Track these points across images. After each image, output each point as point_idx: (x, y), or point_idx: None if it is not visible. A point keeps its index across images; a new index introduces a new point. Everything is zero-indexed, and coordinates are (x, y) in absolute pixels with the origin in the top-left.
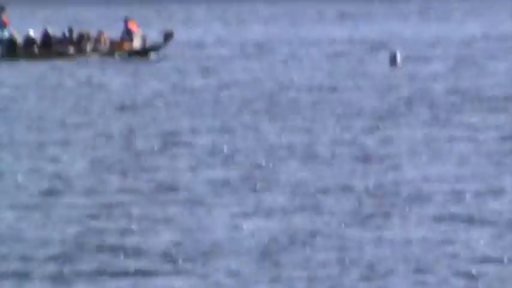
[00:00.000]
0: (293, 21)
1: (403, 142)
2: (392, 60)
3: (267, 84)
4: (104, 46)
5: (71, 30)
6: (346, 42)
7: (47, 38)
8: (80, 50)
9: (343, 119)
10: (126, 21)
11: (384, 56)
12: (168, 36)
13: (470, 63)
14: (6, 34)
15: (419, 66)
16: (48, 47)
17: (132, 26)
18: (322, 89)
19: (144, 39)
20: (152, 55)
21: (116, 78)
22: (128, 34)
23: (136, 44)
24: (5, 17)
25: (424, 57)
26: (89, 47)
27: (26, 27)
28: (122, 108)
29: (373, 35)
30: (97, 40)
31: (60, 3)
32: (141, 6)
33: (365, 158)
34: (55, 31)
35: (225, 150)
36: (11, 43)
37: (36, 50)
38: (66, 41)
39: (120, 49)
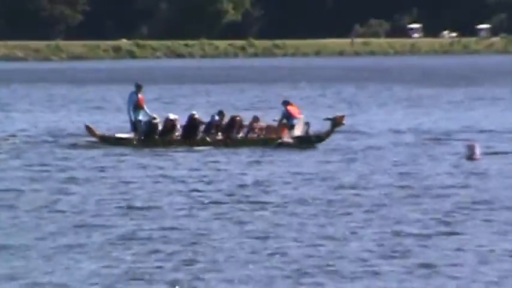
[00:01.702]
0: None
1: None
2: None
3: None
4: (259, 134)
5: (221, 114)
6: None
7: (191, 123)
8: (230, 137)
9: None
10: (285, 104)
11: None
12: (336, 123)
13: None
14: (140, 117)
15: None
16: (193, 133)
17: (293, 111)
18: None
19: (307, 126)
20: (316, 145)
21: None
22: (288, 119)
23: (298, 131)
24: (141, 98)
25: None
26: (240, 134)
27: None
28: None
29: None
30: (251, 128)
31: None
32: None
33: None
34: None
35: None
36: (151, 127)
37: (176, 136)
38: (214, 126)
39: (279, 136)
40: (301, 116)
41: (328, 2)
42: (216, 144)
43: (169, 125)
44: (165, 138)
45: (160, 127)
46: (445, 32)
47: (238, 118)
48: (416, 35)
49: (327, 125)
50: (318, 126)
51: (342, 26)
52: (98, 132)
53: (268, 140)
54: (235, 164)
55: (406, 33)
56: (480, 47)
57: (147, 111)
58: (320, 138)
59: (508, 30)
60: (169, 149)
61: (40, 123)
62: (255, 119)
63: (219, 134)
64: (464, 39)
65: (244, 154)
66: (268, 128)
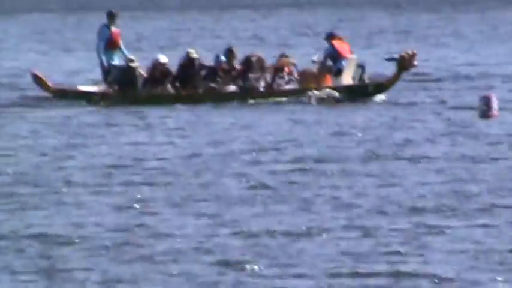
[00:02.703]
0: None
1: None
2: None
3: None
4: (289, 79)
5: (231, 52)
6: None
7: (188, 66)
8: (246, 86)
9: None
10: (330, 38)
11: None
12: (403, 64)
13: None
14: (115, 60)
15: None
16: (193, 80)
17: (340, 46)
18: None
19: (361, 69)
20: (374, 97)
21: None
22: (333, 59)
23: (347, 77)
24: (115, 32)
25: None
26: (262, 81)
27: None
28: None
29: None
30: (277, 69)
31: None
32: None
33: None
34: (201, 54)
35: None
36: (127, 74)
37: (171, 85)
38: (223, 70)
39: (319, 85)
40: (353, 56)
41: None
42: (224, 97)
43: (159, 70)
44: (153, 89)
45: (142, 73)
46: None
47: (256, 58)
48: None
49: (390, 68)
50: (377, 68)
51: None
52: (52, 83)
53: (303, 90)
54: (252, 130)
55: None
56: None
57: (125, 51)
58: (380, 86)
59: None
60: (159, 106)
61: None
62: (282, 58)
63: (229, 82)
64: None
65: (268, 113)
66: (304, 72)
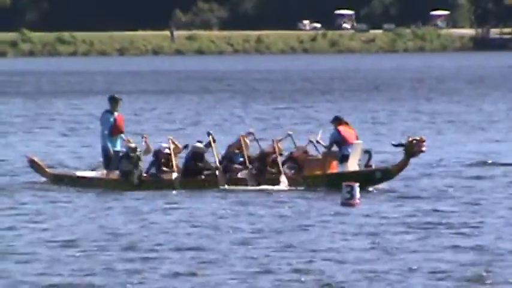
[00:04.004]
0: None
1: None
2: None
3: None
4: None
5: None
6: None
7: (194, 156)
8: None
9: None
10: (336, 122)
11: None
12: (412, 151)
13: None
14: (118, 146)
15: None
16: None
17: (347, 132)
18: None
19: (368, 156)
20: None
21: None
22: (339, 145)
23: (353, 163)
24: (119, 117)
25: None
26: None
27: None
28: None
29: None
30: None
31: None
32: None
33: None
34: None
35: None
36: (131, 163)
37: (175, 175)
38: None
39: (324, 172)
40: (359, 142)
41: None
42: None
43: (163, 159)
44: (157, 178)
45: (142, 161)
46: (306, 22)
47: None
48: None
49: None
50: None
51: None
52: (48, 168)
53: (309, 177)
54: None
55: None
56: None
57: (124, 137)
58: (388, 173)
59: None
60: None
61: None
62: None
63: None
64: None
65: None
66: (310, 159)
